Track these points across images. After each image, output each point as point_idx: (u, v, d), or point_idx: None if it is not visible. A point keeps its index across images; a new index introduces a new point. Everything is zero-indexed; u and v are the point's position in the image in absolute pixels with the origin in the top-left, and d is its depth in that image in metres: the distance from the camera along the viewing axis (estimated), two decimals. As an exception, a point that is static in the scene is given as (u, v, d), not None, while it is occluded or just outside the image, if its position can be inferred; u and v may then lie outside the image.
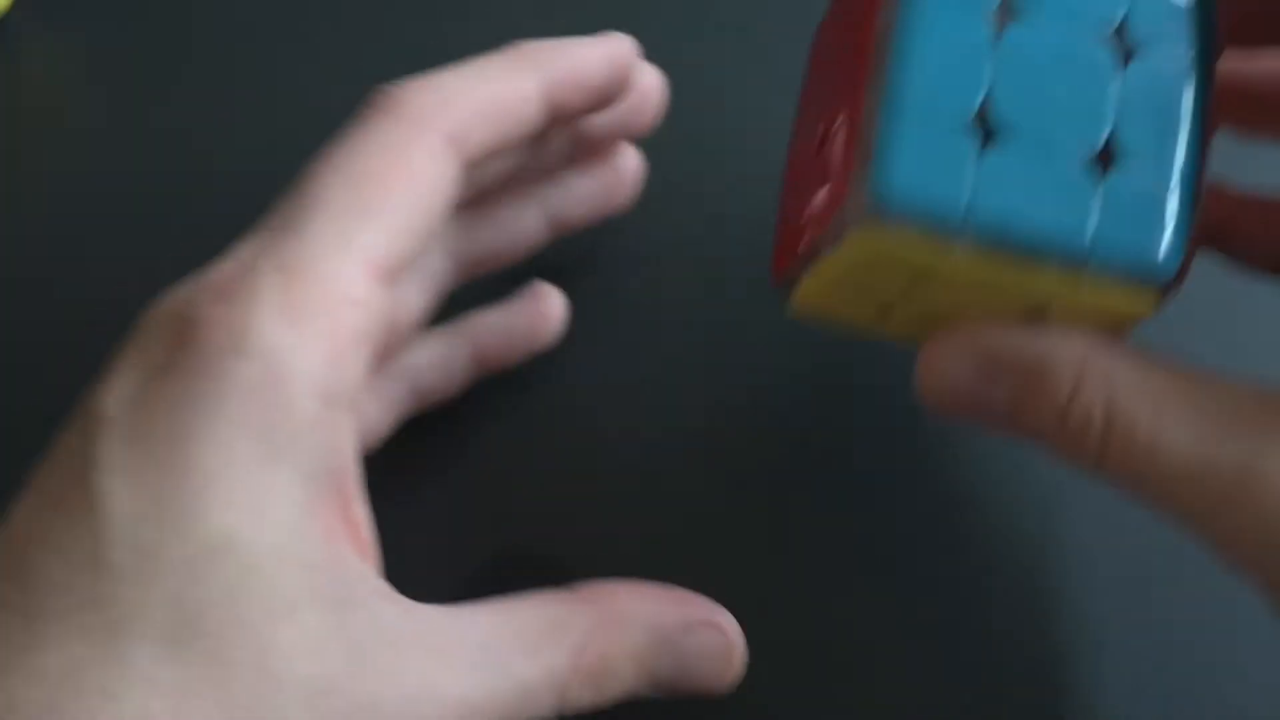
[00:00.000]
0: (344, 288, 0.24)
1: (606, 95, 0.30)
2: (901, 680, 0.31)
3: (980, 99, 0.23)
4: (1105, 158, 0.23)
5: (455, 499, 0.33)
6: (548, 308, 0.34)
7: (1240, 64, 0.28)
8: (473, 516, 0.33)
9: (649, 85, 0.32)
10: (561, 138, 0.32)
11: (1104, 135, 0.24)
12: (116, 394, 0.23)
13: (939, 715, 0.31)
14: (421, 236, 0.26)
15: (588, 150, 0.33)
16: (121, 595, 0.22)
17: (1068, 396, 0.24)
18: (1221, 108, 0.27)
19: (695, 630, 0.27)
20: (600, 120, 0.32)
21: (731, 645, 0.27)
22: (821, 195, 0.25)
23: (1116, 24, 0.24)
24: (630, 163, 0.34)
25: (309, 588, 0.23)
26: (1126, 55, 0.24)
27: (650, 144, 0.34)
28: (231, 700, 0.22)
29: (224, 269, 0.24)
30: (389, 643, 0.23)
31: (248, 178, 0.37)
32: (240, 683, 0.22)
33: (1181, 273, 0.24)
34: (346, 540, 0.24)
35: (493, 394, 0.34)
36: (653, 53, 0.31)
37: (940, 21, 0.23)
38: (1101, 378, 0.23)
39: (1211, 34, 0.25)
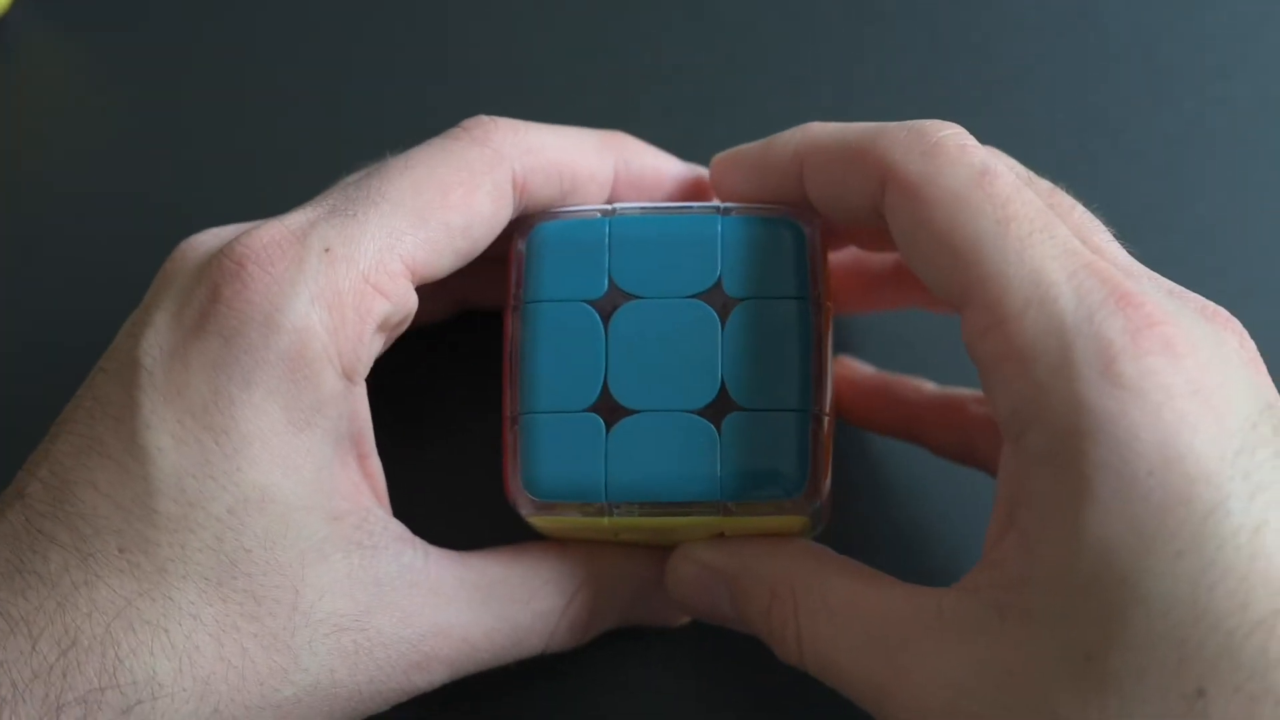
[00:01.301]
0: (379, 280, 0.26)
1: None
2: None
3: (600, 387, 0.26)
4: (721, 407, 0.26)
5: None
6: None
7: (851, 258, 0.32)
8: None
9: None
10: None
11: (716, 389, 0.26)
12: (155, 346, 0.25)
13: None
14: (462, 257, 0.27)
15: None
16: (168, 540, 0.24)
17: (765, 610, 0.27)
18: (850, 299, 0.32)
19: (665, 583, 0.29)
20: None
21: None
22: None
23: (713, 283, 0.27)
24: None
25: (337, 535, 0.25)
26: (726, 309, 0.27)
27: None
28: (266, 633, 0.24)
29: (273, 231, 0.26)
30: (408, 583, 0.26)
31: (247, 176, 0.37)
32: (274, 618, 0.24)
33: (814, 488, 0.26)
34: (368, 492, 0.27)
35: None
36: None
37: (555, 325, 0.27)
38: (789, 596, 0.26)
39: (805, 265, 0.27)
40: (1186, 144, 0.36)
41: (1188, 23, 0.38)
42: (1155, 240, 0.36)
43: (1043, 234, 0.24)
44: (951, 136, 0.25)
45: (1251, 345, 0.25)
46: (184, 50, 0.38)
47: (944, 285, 0.25)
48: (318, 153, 0.37)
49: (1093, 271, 0.23)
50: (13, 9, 0.38)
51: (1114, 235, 0.26)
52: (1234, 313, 0.34)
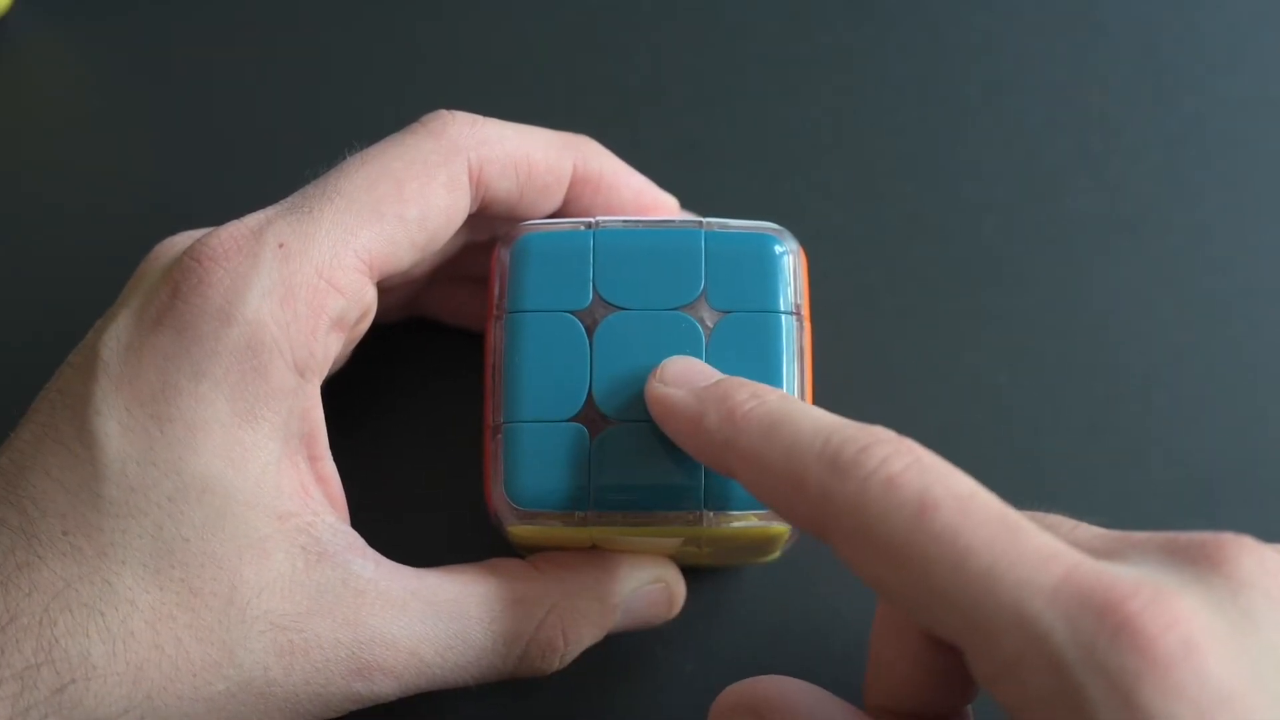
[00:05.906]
0: (333, 275, 0.26)
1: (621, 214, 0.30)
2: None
3: (584, 396, 0.26)
4: None
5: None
6: None
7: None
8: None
9: None
10: None
11: None
12: (114, 339, 0.25)
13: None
14: (420, 249, 0.27)
15: None
16: (110, 525, 0.24)
17: None
18: None
19: (642, 588, 0.29)
20: None
21: (672, 593, 0.30)
22: (487, 482, 0.28)
23: (697, 296, 0.27)
24: None
25: (280, 534, 0.25)
26: (710, 322, 0.27)
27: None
28: (200, 624, 0.24)
29: (232, 231, 0.26)
30: (354, 591, 0.26)
31: (246, 176, 0.37)
32: (210, 610, 0.24)
33: None
34: (321, 496, 0.27)
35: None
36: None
37: (539, 334, 0.27)
38: None
39: (787, 279, 0.27)
40: (1186, 144, 0.36)
41: (1188, 23, 0.38)
42: (1155, 240, 0.36)
43: (1006, 557, 0.21)
44: (881, 464, 0.22)
45: (1254, 561, 0.22)
46: (184, 50, 0.38)
47: (937, 632, 0.22)
48: (320, 151, 0.37)
49: (1073, 585, 0.20)
50: (13, 9, 0.38)
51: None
52: (1234, 312, 0.35)
